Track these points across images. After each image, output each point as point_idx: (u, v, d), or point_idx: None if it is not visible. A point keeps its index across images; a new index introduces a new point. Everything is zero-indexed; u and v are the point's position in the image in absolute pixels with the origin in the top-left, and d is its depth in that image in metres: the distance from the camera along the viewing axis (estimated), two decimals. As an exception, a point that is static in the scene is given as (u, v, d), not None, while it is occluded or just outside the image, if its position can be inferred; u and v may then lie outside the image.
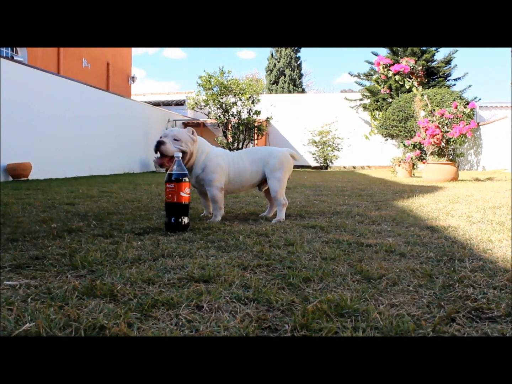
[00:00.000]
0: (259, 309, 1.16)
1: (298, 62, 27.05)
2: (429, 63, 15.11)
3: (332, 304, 1.17)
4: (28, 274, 1.47)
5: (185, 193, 2.33)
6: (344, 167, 16.56)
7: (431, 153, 7.57)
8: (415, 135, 8.83)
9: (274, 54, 26.98)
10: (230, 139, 13.88)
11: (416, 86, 14.09)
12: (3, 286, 1.34)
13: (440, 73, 15.30)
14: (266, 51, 33.67)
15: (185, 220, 2.34)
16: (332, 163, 15.74)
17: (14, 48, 11.30)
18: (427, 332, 1.00)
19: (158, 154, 2.58)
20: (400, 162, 9.00)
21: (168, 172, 2.35)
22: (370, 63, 15.89)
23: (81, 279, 1.42)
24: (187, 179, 2.35)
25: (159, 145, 2.54)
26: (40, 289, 1.29)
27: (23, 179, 7.31)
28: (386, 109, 14.81)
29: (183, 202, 2.33)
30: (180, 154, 2.39)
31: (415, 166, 9.28)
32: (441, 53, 16.22)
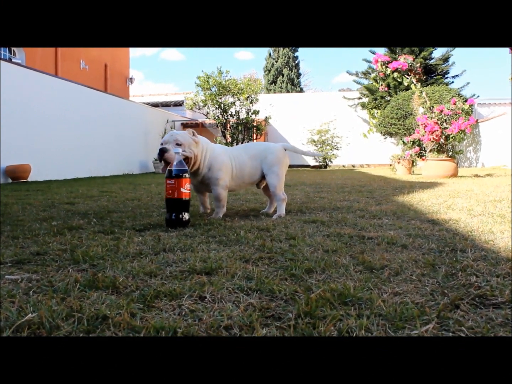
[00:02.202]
0: (262, 299, 1.16)
1: (296, 62, 27.08)
2: (427, 61, 15.11)
3: (335, 293, 1.17)
4: (29, 268, 1.46)
5: (186, 189, 2.33)
6: (343, 166, 16.56)
7: (430, 150, 7.56)
8: (414, 133, 8.83)
9: (272, 54, 27.00)
10: (229, 139, 13.87)
11: (415, 83, 14.05)
12: (4, 280, 1.33)
13: (438, 71, 15.29)
14: (264, 52, 33.73)
15: (186, 216, 2.33)
16: (331, 162, 15.73)
17: (12, 50, 11.29)
18: (431, 318, 1.00)
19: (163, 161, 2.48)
20: (399, 159, 8.99)
21: (168, 168, 2.35)
22: (368, 61, 15.89)
23: (83, 273, 1.41)
24: (187, 175, 2.34)
25: (162, 153, 2.43)
26: (42, 282, 1.29)
27: (22, 181, 7.30)
28: (385, 107, 14.79)
29: (184, 198, 2.32)
30: (180, 150, 2.38)
31: (414, 163, 9.27)
32: (439, 51, 16.24)
